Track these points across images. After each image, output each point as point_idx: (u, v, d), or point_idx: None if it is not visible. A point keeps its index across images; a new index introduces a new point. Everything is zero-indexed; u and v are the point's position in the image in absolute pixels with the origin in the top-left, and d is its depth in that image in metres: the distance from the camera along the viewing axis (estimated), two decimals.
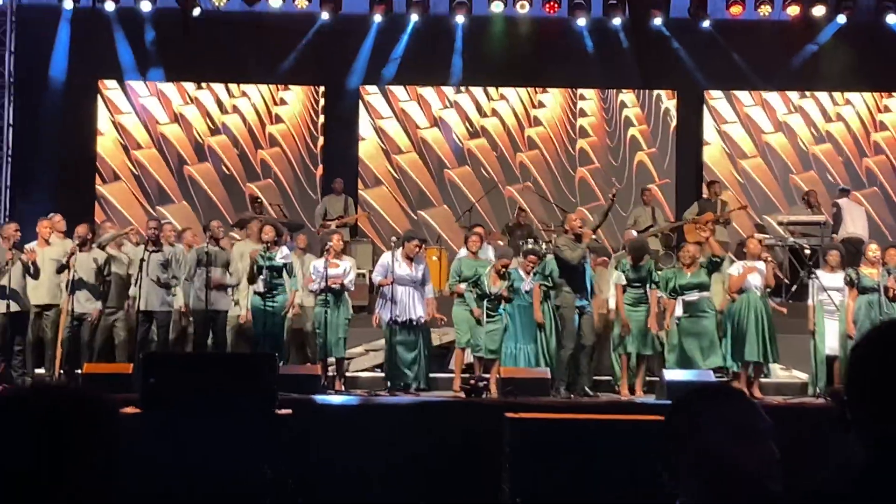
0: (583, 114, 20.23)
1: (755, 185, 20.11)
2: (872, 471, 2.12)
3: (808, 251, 15.76)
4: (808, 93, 20.21)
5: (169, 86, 19.87)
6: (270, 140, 20.00)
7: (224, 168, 19.87)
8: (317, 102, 20.05)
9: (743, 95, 20.23)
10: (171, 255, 13.65)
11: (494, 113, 20.20)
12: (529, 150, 20.14)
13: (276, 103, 20.04)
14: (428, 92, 20.14)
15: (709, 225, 16.85)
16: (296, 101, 20.06)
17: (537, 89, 20.17)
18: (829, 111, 20.28)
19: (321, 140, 20.02)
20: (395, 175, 20.02)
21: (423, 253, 14.27)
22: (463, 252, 14.37)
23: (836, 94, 20.22)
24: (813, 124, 20.25)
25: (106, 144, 19.76)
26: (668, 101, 20.22)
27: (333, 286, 13.23)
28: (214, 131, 19.94)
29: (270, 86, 19.95)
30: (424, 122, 20.10)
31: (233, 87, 19.96)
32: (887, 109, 20.27)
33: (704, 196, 18.45)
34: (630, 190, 19.54)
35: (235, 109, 20.00)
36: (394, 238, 14.14)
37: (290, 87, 19.97)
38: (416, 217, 19.78)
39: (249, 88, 20.00)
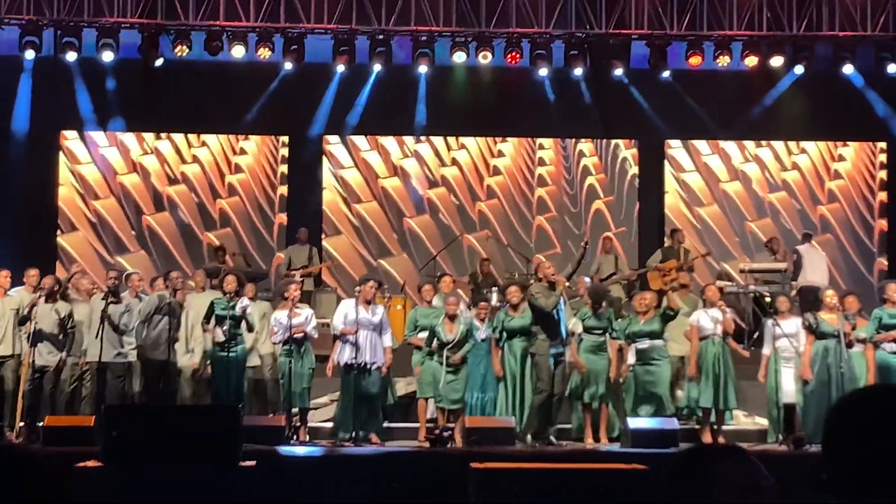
0: (542, 163, 20.39)
1: (712, 232, 20.29)
2: None
3: (768, 298, 15.90)
4: (763, 142, 20.46)
5: (129, 136, 19.87)
6: (230, 189, 20.00)
7: (182, 217, 19.85)
8: (276, 151, 20.09)
9: (700, 144, 20.45)
10: (130, 307, 13.61)
11: (454, 162, 20.32)
12: (488, 198, 20.25)
13: (235, 153, 20.06)
14: (389, 141, 20.23)
15: (672, 273, 17.00)
16: (255, 150, 20.10)
17: (497, 139, 20.32)
18: (785, 160, 20.53)
19: (280, 189, 20.04)
20: (356, 223, 20.06)
21: (381, 297, 14.33)
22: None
23: (792, 144, 20.47)
24: (769, 172, 20.49)
25: (65, 195, 19.71)
26: (626, 151, 20.40)
27: (296, 336, 13.20)
28: (173, 181, 19.93)
29: (231, 136, 19.99)
30: (385, 171, 20.18)
31: (192, 137, 19.98)
32: (841, 158, 20.52)
33: (667, 244, 18.58)
34: (589, 238, 19.72)
35: (195, 159, 20.01)
36: (357, 288, 14.12)
37: (251, 136, 20.01)
38: (375, 265, 19.79)
39: (209, 138, 20.02)
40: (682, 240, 18.43)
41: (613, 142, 20.38)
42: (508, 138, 20.37)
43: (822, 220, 20.32)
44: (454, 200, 20.19)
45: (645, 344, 13.42)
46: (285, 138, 20.08)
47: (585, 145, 20.43)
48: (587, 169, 20.41)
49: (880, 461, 2.13)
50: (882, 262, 20.17)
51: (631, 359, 13.41)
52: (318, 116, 19.74)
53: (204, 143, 20.04)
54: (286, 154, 20.08)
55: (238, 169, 20.05)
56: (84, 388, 13.79)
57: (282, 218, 20.00)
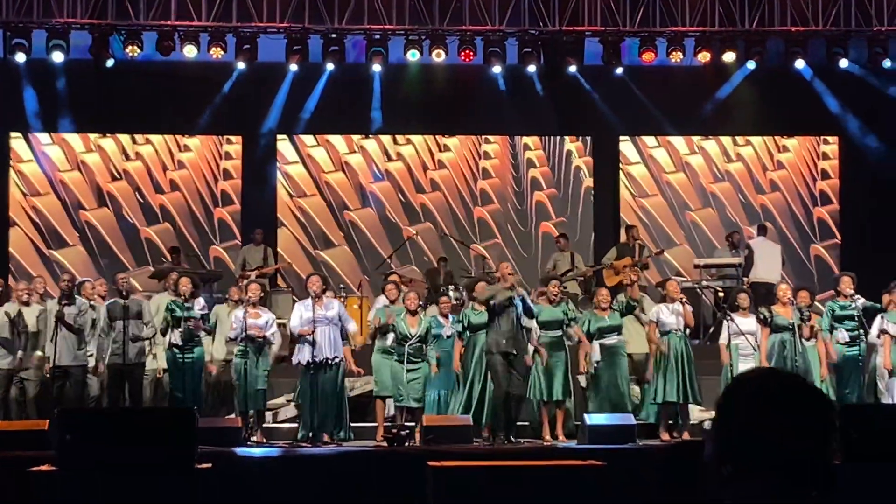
0: (486, 156, 20.46)
1: (656, 223, 20.41)
2: None
3: (721, 294, 16.00)
4: (710, 136, 20.60)
5: (73, 136, 19.75)
6: (171, 185, 19.92)
7: (124, 213, 19.74)
8: (220, 147, 20.03)
9: (647, 137, 20.56)
10: (84, 309, 13.52)
11: (399, 157, 20.34)
12: (432, 191, 20.29)
13: (180, 149, 19.98)
14: (335, 138, 20.24)
15: (626, 270, 17.07)
16: (199, 147, 20.03)
17: (447, 136, 20.37)
18: (730, 151, 20.69)
19: (222, 184, 19.97)
20: (299, 217, 20.05)
21: (338, 296, 14.34)
22: (382, 301, 14.37)
23: (738, 136, 20.63)
24: (714, 164, 20.63)
25: (4, 192, 19.55)
26: (570, 144, 20.49)
27: (256, 337, 13.13)
28: (116, 178, 19.82)
29: (177, 135, 19.92)
30: (330, 166, 20.18)
31: (138, 135, 19.88)
32: (785, 149, 20.69)
33: (623, 240, 18.65)
34: (530, 231, 19.93)
35: (139, 156, 19.93)
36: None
37: (196, 136, 19.96)
38: (317, 258, 19.77)
39: (155, 136, 19.91)
40: (637, 236, 18.51)
41: (558, 137, 20.47)
42: (458, 135, 20.42)
43: (764, 209, 20.47)
44: (399, 196, 20.20)
45: (612, 339, 13.51)
46: (235, 137, 19.99)
47: (530, 139, 20.52)
48: (531, 161, 20.51)
49: (765, 442, 2.19)
50: (818, 247, 20.35)
51: (596, 355, 13.46)
52: (271, 116, 19.67)
53: (148, 141, 19.95)
54: (236, 152, 19.99)
55: (181, 165, 19.97)
56: (26, 392, 13.67)
57: (222, 212, 19.92)
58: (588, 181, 20.45)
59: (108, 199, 19.80)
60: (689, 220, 20.41)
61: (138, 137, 19.90)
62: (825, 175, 20.61)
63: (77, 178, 19.77)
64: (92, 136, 19.80)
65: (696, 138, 20.58)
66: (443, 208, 20.26)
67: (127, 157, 19.89)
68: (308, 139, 20.19)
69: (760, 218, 20.04)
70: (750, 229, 19.56)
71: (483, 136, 20.40)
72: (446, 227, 20.03)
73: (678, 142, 20.59)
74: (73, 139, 19.79)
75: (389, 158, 20.33)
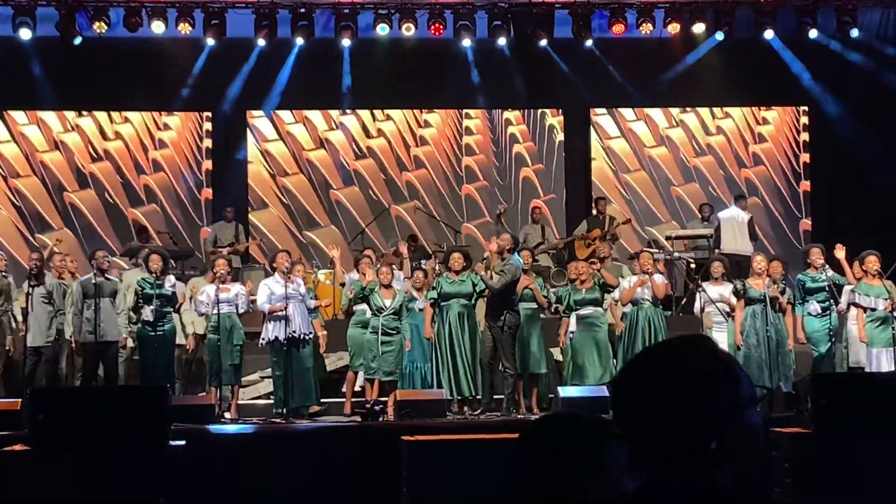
0: (469, 132, 20.38)
1: (639, 198, 20.41)
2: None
3: (693, 265, 16.04)
4: (689, 108, 20.59)
5: (50, 114, 19.57)
6: (154, 165, 19.77)
7: (107, 195, 19.59)
8: (201, 127, 19.89)
9: (626, 111, 20.53)
10: (53, 288, 13.45)
11: (381, 133, 20.24)
12: (416, 169, 20.20)
13: (159, 128, 19.83)
14: (314, 114, 20.11)
15: (597, 242, 17.12)
16: (180, 126, 19.89)
17: (424, 110, 20.27)
18: (710, 125, 20.67)
19: (206, 164, 19.86)
20: (283, 198, 19.94)
21: (308, 271, 14.35)
22: (354, 275, 14.35)
23: (717, 109, 20.62)
24: (694, 138, 20.63)
25: None
26: (552, 118, 20.42)
27: (224, 312, 13.09)
28: (96, 158, 19.65)
29: (154, 112, 19.75)
30: (310, 143, 20.06)
31: (115, 114, 19.71)
32: (765, 121, 20.70)
33: (594, 213, 18.70)
34: (517, 206, 19.80)
35: (118, 135, 19.75)
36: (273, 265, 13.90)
37: (175, 112, 19.78)
38: (303, 239, 19.70)
39: (133, 114, 19.76)
40: (604, 208, 18.58)
41: (540, 110, 20.40)
42: (435, 109, 20.33)
43: (749, 183, 20.48)
44: (381, 174, 20.12)
45: (588, 310, 13.56)
46: (209, 113, 19.87)
47: (512, 114, 20.45)
48: (514, 137, 20.44)
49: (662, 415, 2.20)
50: (806, 223, 20.41)
51: (572, 326, 13.52)
52: (241, 91, 19.56)
53: (127, 120, 19.80)
54: (209, 129, 19.88)
55: (162, 144, 19.83)
56: None
57: (208, 193, 19.82)
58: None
59: (90, 179, 19.62)
60: (675, 195, 20.32)
61: (116, 117, 19.72)
62: (807, 147, 20.63)
63: (57, 158, 19.58)
64: (69, 114, 19.61)
65: (674, 111, 20.56)
66: (428, 185, 20.16)
67: (105, 137, 19.71)
68: (286, 116, 20.06)
69: (745, 193, 20.00)
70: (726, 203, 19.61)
71: (464, 111, 20.30)
72: (432, 206, 19.91)
73: (657, 115, 20.55)
74: (51, 119, 19.61)
75: (369, 135, 20.21)
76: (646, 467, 2.22)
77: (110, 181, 19.66)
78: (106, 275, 13.56)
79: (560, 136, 20.45)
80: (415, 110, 20.28)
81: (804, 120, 20.58)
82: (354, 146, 20.14)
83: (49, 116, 19.60)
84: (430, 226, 19.50)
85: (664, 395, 2.19)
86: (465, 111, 20.35)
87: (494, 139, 20.40)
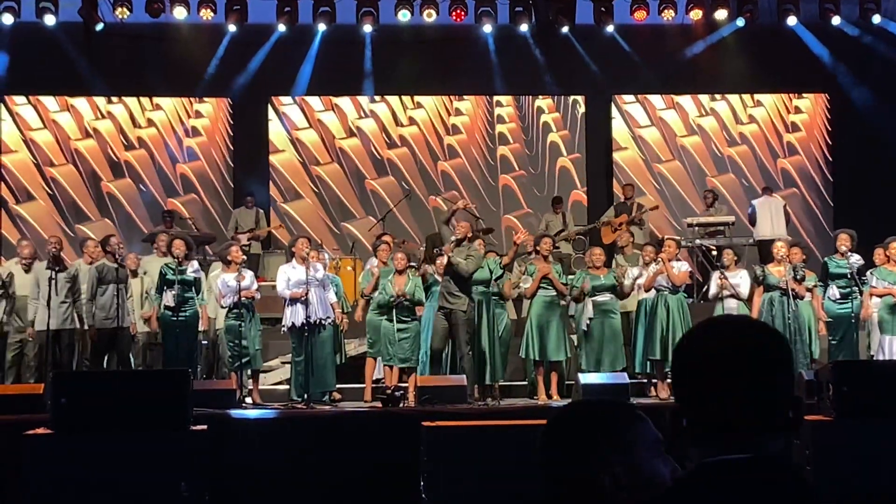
0: (501, 120, 20.25)
1: (672, 188, 20.24)
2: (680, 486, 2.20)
3: (714, 252, 16.00)
4: (718, 95, 20.45)
5: (81, 101, 19.55)
6: (189, 153, 19.74)
7: (142, 185, 19.57)
8: (231, 115, 19.86)
9: (655, 99, 20.39)
10: (77, 272, 13.51)
11: (412, 122, 20.15)
12: (450, 158, 20.11)
13: (190, 115, 19.81)
14: (344, 101, 20.04)
15: (623, 227, 17.15)
16: (212, 113, 19.84)
17: (453, 97, 20.19)
18: (741, 114, 20.49)
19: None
20: (315, 188, 19.86)
21: (331, 259, 14.34)
22: (374, 262, 14.36)
23: (746, 97, 20.47)
24: (725, 127, 20.46)
25: (17, 162, 19.38)
26: (584, 107, 20.30)
27: (245, 299, 13.13)
28: (129, 146, 19.63)
29: (184, 99, 19.74)
30: (342, 132, 19.99)
31: (145, 100, 19.69)
32: (798, 110, 20.54)
33: (621, 199, 18.67)
34: (551, 197, 19.48)
35: (150, 123, 19.73)
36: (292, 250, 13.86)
37: (205, 98, 19.76)
38: (339, 231, 19.63)
39: (164, 101, 19.74)
40: (630, 194, 18.54)
41: (571, 98, 20.27)
42: (465, 96, 20.23)
43: (784, 172, 20.33)
44: (415, 162, 20.02)
45: (605, 297, 13.55)
46: (229, 100, 19.83)
47: (543, 101, 20.32)
48: (548, 126, 20.32)
49: (721, 393, 2.20)
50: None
51: (589, 312, 13.52)
52: (263, 77, 19.54)
53: (158, 107, 19.76)
54: (231, 115, 19.87)
55: (195, 132, 19.80)
56: (25, 356, 13.69)
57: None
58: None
59: (125, 168, 19.61)
60: (710, 185, 19.95)
61: (146, 103, 19.68)
62: (829, 135, 20.48)
63: (91, 145, 19.55)
64: (99, 101, 19.59)
65: (703, 98, 20.39)
66: (464, 175, 20.04)
67: (137, 125, 19.69)
68: (315, 103, 19.96)
69: (780, 183, 19.91)
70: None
71: (494, 100, 20.15)
72: (468, 197, 19.66)
73: (687, 103, 20.39)
74: (82, 105, 19.57)
75: (400, 124, 20.10)
76: (708, 444, 2.20)
77: (146, 170, 19.62)
78: (119, 261, 13.58)
79: (584, 126, 20.34)
80: (444, 97, 20.16)
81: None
82: (385, 135, 20.03)
83: (80, 103, 19.56)
84: (465, 216, 19.34)
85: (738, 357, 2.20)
86: (495, 98, 20.21)
87: (524, 127, 20.27)
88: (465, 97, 20.20)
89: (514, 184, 20.13)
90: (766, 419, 2.18)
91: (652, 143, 20.36)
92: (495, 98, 20.20)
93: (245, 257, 13.78)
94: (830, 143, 20.40)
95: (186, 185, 19.68)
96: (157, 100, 19.70)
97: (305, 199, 19.81)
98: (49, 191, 19.38)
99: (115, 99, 19.61)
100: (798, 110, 20.52)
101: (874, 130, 19.50)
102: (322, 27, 18.50)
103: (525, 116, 20.26)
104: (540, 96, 20.23)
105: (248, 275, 13.49)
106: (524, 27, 18.64)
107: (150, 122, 19.71)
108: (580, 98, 20.25)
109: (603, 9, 18.24)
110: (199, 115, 19.82)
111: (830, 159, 20.39)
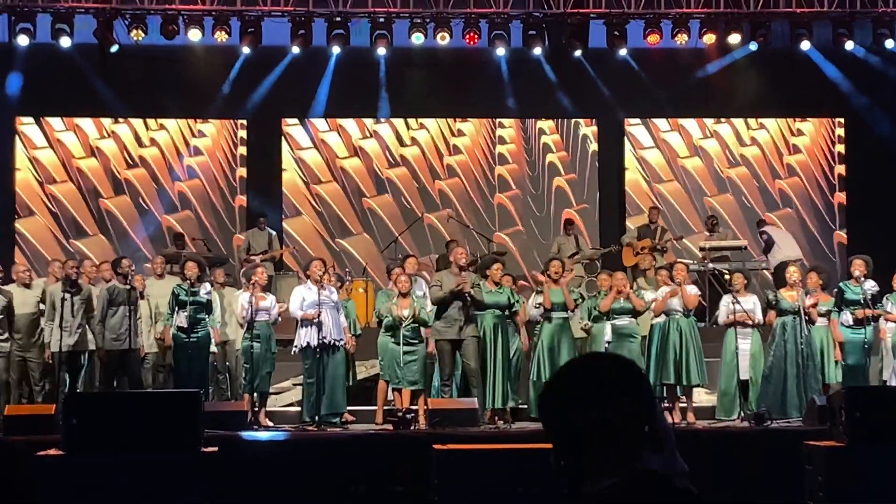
0: (502, 141, 20.36)
1: (671, 208, 20.29)
2: None
3: (727, 276, 15.97)
4: (723, 119, 20.51)
5: (86, 121, 19.69)
6: (189, 172, 19.86)
7: (142, 201, 19.70)
8: (235, 134, 19.97)
9: (660, 121, 20.47)
10: (90, 294, 13.54)
11: (414, 142, 20.26)
12: (449, 177, 20.22)
13: (194, 135, 19.93)
14: (348, 122, 20.16)
15: (645, 252, 17.18)
16: (214, 133, 19.97)
17: (457, 119, 20.29)
18: (744, 135, 20.56)
19: (240, 171, 19.94)
20: (315, 205, 19.99)
21: (342, 281, 14.44)
22: (389, 284, 14.40)
23: (751, 119, 20.53)
24: (728, 148, 20.52)
25: (21, 180, 19.52)
26: (586, 128, 20.39)
27: (262, 320, 13.15)
28: (131, 164, 19.77)
29: (189, 119, 19.85)
30: (344, 151, 20.11)
31: (150, 121, 19.81)
32: (800, 133, 20.59)
33: (645, 223, 18.64)
34: (549, 216, 19.83)
35: (153, 142, 19.86)
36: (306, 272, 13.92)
37: (210, 119, 19.88)
38: (336, 247, 19.73)
39: (168, 121, 19.87)
40: (655, 219, 18.52)
41: (574, 120, 20.37)
42: (469, 119, 20.33)
43: (782, 194, 20.38)
44: (415, 182, 20.14)
45: (624, 320, 13.51)
46: (244, 121, 19.93)
47: (546, 123, 20.43)
48: (547, 146, 20.41)
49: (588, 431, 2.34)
50: (841, 234, 20.26)
51: (608, 335, 13.47)
52: (276, 99, 19.60)
53: (162, 127, 19.89)
54: (244, 137, 19.96)
55: (197, 151, 19.92)
56: (32, 378, 13.69)
57: (242, 200, 19.90)
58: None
59: (125, 186, 19.73)
60: (708, 206, 20.15)
61: (151, 123, 19.83)
62: (842, 159, 20.50)
63: (93, 164, 19.67)
64: (105, 121, 19.73)
65: (708, 121, 20.49)
66: (461, 193, 20.16)
67: (141, 144, 19.82)
68: (320, 124, 20.10)
69: (779, 204, 19.91)
70: (770, 215, 19.59)
71: (497, 121, 20.30)
72: (465, 214, 19.89)
73: (691, 126, 20.48)
74: (87, 125, 19.69)
75: (403, 143, 20.24)
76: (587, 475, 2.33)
77: (145, 188, 19.76)
78: (130, 282, 13.58)
79: (594, 146, 20.39)
80: (448, 119, 20.29)
81: (839, 132, 20.44)
82: (388, 154, 20.16)
83: (85, 123, 19.70)
84: (462, 235, 19.50)
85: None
86: (498, 120, 20.34)
87: (528, 149, 20.37)
88: (468, 119, 20.30)
89: (508, 202, 20.21)
90: (627, 437, 2.31)
91: (654, 164, 20.43)
92: (498, 119, 20.30)
93: (267, 279, 13.82)
94: (837, 166, 20.40)
95: (184, 203, 19.77)
96: (161, 120, 19.80)
97: (304, 216, 19.92)
98: (49, 207, 19.50)
99: (120, 119, 19.73)
100: (800, 133, 20.56)
101: (890, 155, 19.45)
102: (336, 50, 18.56)
103: (529, 138, 20.35)
104: (543, 118, 20.30)
105: (270, 298, 13.52)
106: (538, 50, 18.69)
107: (153, 142, 19.83)
108: (583, 121, 20.32)
109: (616, 32, 18.28)
110: (201, 134, 19.93)
111: (834, 182, 20.38)
